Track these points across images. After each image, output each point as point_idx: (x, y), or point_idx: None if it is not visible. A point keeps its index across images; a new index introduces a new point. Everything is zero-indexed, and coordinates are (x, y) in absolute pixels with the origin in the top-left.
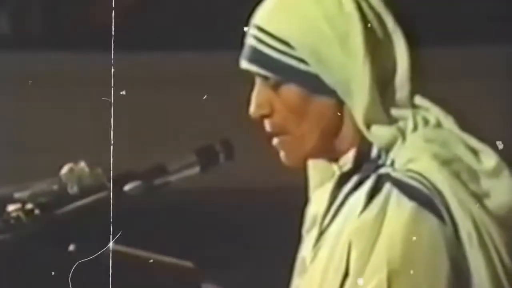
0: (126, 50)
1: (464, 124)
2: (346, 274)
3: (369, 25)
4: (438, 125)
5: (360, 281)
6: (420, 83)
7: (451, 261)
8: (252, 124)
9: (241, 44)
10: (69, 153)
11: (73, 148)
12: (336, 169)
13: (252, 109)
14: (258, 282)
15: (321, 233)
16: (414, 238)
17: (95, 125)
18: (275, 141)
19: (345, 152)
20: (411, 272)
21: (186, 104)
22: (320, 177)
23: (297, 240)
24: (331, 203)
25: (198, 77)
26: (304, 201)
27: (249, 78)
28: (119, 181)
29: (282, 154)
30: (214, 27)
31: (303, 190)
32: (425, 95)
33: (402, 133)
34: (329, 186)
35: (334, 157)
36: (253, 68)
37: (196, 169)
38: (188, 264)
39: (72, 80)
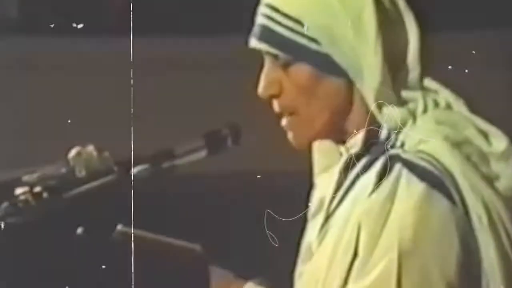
0: (132, 35)
1: (474, 107)
2: (355, 256)
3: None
4: (448, 107)
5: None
6: (431, 66)
7: (461, 241)
8: (260, 108)
9: (250, 27)
10: (77, 136)
11: (81, 132)
12: (343, 151)
13: (260, 89)
14: (265, 266)
15: (328, 217)
16: (425, 219)
17: (103, 109)
18: (283, 121)
19: (353, 133)
20: (422, 253)
21: (193, 88)
22: (326, 161)
23: (304, 224)
24: (339, 185)
25: (206, 61)
26: (310, 185)
27: (258, 62)
28: (126, 165)
29: (290, 135)
30: (223, 11)
31: (310, 174)
32: (435, 78)
33: (413, 115)
34: (336, 169)
35: (341, 139)
36: (263, 46)
37: (204, 153)
38: (196, 246)
39: (80, 65)
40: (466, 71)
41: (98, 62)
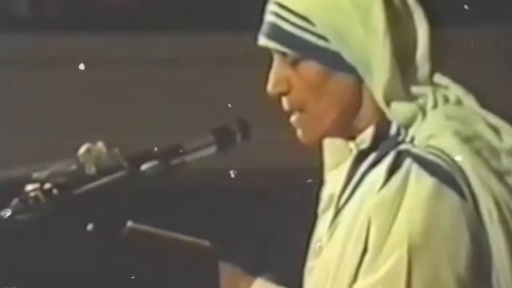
0: (143, 31)
1: (485, 103)
2: (365, 250)
3: None
4: (458, 102)
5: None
6: (440, 61)
7: (471, 237)
8: (270, 104)
9: (259, 24)
10: (87, 133)
11: (91, 129)
12: (353, 147)
13: (269, 86)
14: (274, 262)
15: (337, 212)
16: (435, 214)
17: (113, 105)
18: (292, 118)
19: (362, 130)
20: (432, 247)
21: (203, 84)
22: (336, 158)
23: (313, 220)
24: (348, 181)
25: (216, 58)
26: (320, 181)
27: (267, 58)
28: (136, 161)
29: (299, 131)
30: (232, 8)
31: (320, 170)
32: (445, 73)
33: (422, 110)
34: (346, 165)
35: (351, 135)
36: (271, 44)
37: (213, 149)
38: (205, 243)
39: (89, 61)
40: (476, 66)
41: (108, 59)
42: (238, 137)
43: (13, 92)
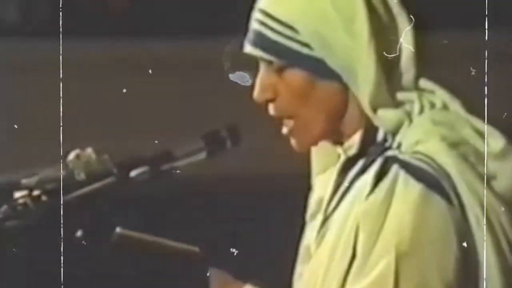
0: (132, 36)
1: (471, 107)
2: (353, 257)
3: None
4: (445, 107)
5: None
6: (425, 67)
7: (458, 242)
8: (259, 110)
9: (247, 29)
10: (76, 139)
11: (80, 135)
12: (340, 153)
13: (255, 93)
14: (264, 268)
15: (326, 219)
16: (422, 220)
17: (102, 111)
18: (284, 130)
19: (349, 135)
20: (420, 253)
21: (193, 89)
22: (323, 162)
23: (302, 226)
24: (336, 187)
25: (205, 63)
26: (309, 187)
27: (256, 63)
28: (126, 167)
29: (292, 141)
30: (220, 13)
31: (309, 176)
32: (431, 79)
33: (409, 116)
34: (334, 171)
35: (339, 141)
36: (257, 52)
37: (203, 155)
38: (195, 249)
39: (77, 66)
40: (460, 70)
41: (98, 64)
42: (228, 143)
43: (2, 97)
